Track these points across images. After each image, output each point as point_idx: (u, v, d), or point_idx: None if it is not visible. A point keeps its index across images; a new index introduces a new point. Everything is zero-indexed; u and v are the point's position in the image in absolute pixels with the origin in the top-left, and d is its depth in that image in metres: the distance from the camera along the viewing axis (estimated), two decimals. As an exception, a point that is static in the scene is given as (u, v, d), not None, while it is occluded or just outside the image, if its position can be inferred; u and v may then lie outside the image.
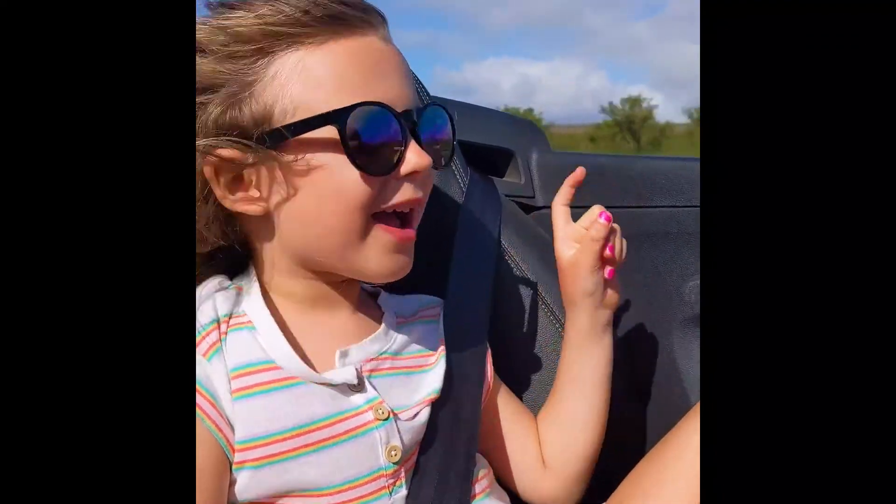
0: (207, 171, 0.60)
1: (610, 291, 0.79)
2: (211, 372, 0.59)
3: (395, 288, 0.76)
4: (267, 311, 0.63)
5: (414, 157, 0.61)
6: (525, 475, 0.78)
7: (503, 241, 0.89)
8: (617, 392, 0.91)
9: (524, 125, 1.11)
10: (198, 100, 0.59)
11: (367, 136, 0.59)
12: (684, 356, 0.95)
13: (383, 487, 0.63)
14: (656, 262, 0.98)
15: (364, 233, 0.62)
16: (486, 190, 0.91)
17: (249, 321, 0.63)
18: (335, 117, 0.58)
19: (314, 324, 0.66)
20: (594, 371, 0.79)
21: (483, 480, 0.72)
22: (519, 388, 0.86)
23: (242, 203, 0.61)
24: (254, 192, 0.61)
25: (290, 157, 0.59)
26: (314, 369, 0.63)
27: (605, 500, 0.77)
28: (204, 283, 0.65)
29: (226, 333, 0.61)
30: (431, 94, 0.87)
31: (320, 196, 0.60)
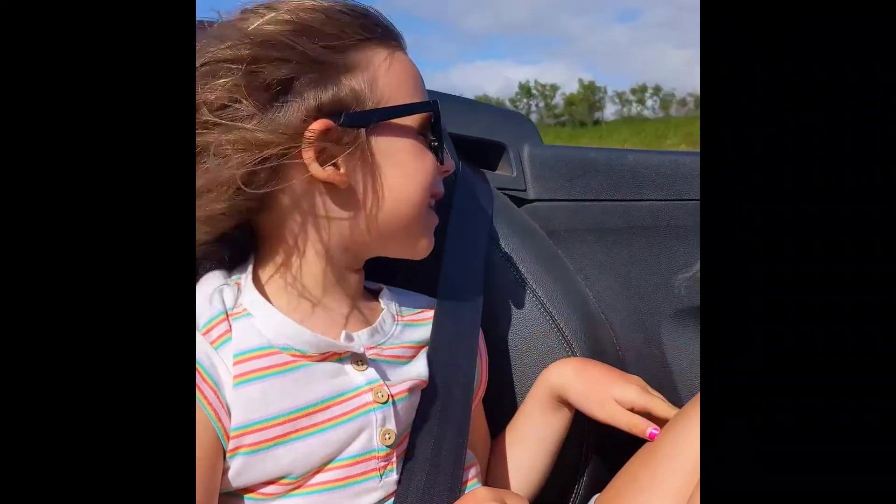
0: (310, 144, 0.61)
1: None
2: (217, 361, 0.60)
3: (388, 278, 0.77)
4: (263, 298, 0.64)
5: (447, 158, 0.71)
6: None
7: (494, 234, 0.89)
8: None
9: (515, 118, 1.11)
10: (303, 76, 0.61)
11: (437, 130, 0.69)
12: (674, 349, 0.96)
13: (374, 469, 0.64)
14: (646, 256, 0.98)
15: (427, 214, 0.70)
16: (477, 183, 0.92)
17: (245, 309, 0.64)
18: (431, 106, 0.68)
19: (319, 310, 0.67)
20: (545, 434, 0.82)
21: (474, 468, 0.73)
22: (505, 378, 0.87)
23: (331, 174, 0.63)
24: (340, 167, 0.64)
25: (381, 137, 0.65)
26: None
27: (599, 493, 0.78)
28: (206, 277, 0.66)
29: (231, 324, 0.62)
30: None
31: (407, 174, 0.67)
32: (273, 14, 0.62)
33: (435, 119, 0.68)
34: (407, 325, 0.73)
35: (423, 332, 0.74)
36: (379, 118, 0.64)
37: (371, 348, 0.67)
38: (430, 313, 0.76)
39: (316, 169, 0.62)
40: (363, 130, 0.63)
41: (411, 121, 0.66)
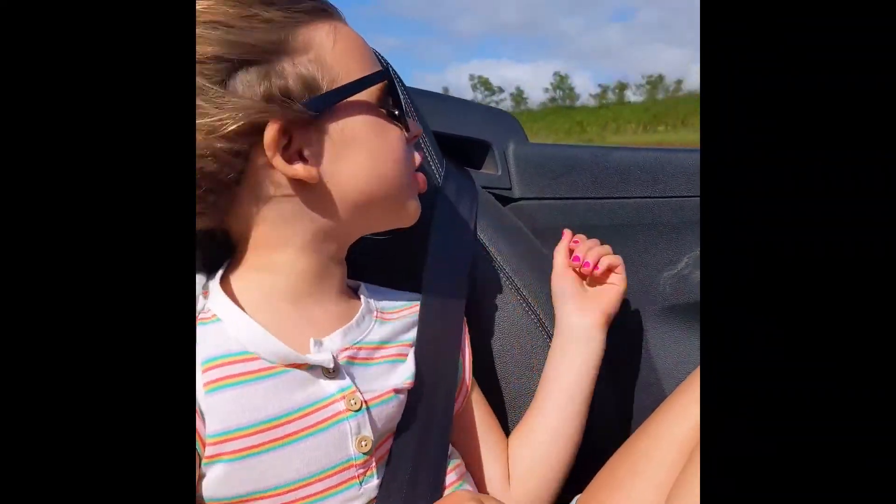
0: (270, 141, 0.60)
1: (591, 296, 0.83)
2: None
3: (371, 276, 0.76)
4: (232, 304, 0.63)
5: (412, 123, 0.69)
6: (492, 484, 0.78)
7: (479, 233, 0.89)
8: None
9: (501, 116, 1.11)
10: (239, 71, 0.59)
11: (397, 98, 0.67)
12: (659, 347, 0.97)
13: (353, 477, 0.63)
14: (630, 253, 0.98)
15: (410, 183, 0.69)
16: (461, 181, 0.91)
17: (214, 315, 0.63)
18: (385, 73, 0.65)
19: (293, 311, 0.66)
20: (570, 378, 0.81)
21: (455, 471, 0.72)
22: (491, 377, 0.87)
23: (300, 170, 0.62)
24: (306, 158, 0.62)
25: (341, 120, 0.63)
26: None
27: (579, 492, 0.78)
28: None
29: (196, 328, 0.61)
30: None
31: (375, 153, 0.65)
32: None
33: (391, 86, 0.66)
34: (386, 323, 0.71)
35: (405, 329, 0.73)
36: (335, 100, 0.62)
37: (346, 349, 0.66)
38: (412, 309, 0.75)
39: (282, 165, 0.61)
40: (322, 117, 0.62)
41: (368, 94, 0.64)
